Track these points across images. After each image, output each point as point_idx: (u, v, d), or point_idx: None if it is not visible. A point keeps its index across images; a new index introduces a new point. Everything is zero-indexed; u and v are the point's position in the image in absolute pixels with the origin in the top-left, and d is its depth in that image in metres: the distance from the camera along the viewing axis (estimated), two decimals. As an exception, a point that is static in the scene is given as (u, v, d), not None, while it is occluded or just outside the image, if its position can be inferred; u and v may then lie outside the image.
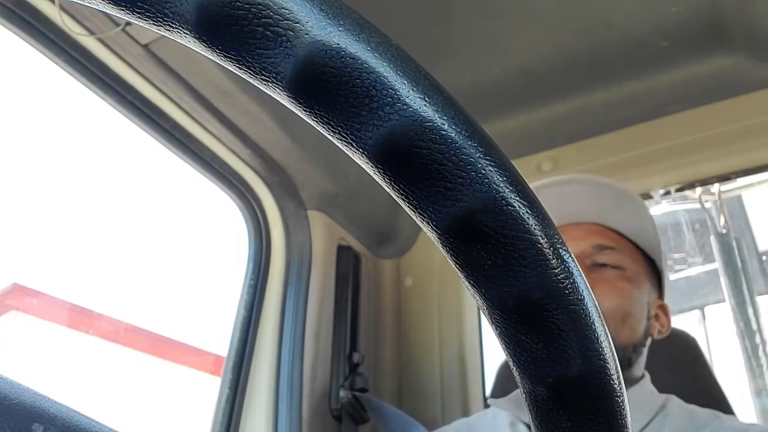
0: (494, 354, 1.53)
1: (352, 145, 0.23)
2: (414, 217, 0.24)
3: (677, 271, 3.30)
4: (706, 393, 1.15)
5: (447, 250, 0.24)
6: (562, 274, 0.23)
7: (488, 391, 1.38)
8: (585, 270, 0.91)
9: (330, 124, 0.23)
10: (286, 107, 0.24)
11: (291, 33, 0.22)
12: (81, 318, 2.89)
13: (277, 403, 1.26)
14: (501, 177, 0.23)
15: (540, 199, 0.23)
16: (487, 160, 0.22)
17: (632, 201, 1.03)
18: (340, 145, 0.24)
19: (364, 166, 0.24)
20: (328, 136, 0.24)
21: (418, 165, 0.23)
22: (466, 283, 0.24)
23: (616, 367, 0.24)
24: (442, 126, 0.22)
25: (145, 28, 0.25)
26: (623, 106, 1.43)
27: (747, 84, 1.36)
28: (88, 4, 0.24)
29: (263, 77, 0.23)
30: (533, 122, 1.47)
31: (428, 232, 0.24)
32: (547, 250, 0.23)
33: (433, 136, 0.22)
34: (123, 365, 2.99)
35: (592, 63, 1.33)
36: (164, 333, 3.28)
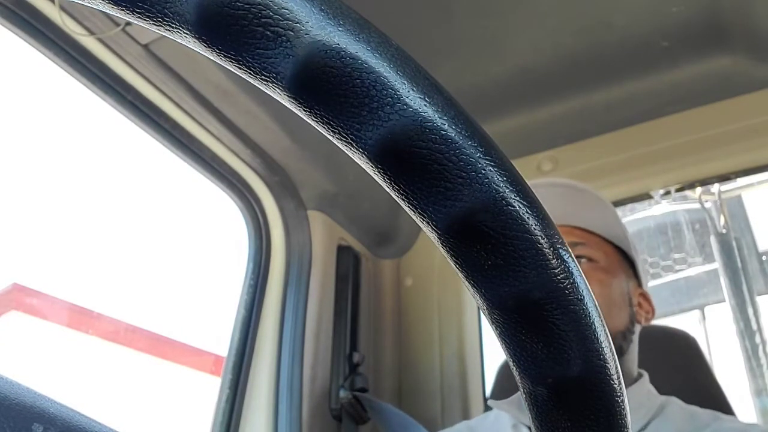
0: (494, 354, 1.53)
1: (352, 145, 0.23)
2: (414, 217, 0.24)
3: (677, 271, 3.30)
4: (706, 393, 1.15)
5: (447, 250, 0.24)
6: (562, 274, 0.23)
7: (488, 391, 1.38)
8: None
9: (330, 124, 0.23)
10: (286, 107, 0.24)
11: (291, 33, 0.22)
12: (81, 318, 2.89)
13: (277, 403, 1.26)
14: (501, 177, 0.23)
15: None
16: (487, 160, 0.22)
17: (593, 198, 1.06)
18: (340, 145, 0.24)
19: (364, 166, 0.24)
20: (328, 136, 0.24)
21: (418, 165, 0.23)
22: (466, 283, 0.24)
23: (616, 367, 0.24)
24: (442, 126, 0.22)
25: (145, 28, 0.25)
26: (623, 106, 1.43)
27: (747, 84, 1.36)
28: (88, 4, 0.24)
29: (263, 77, 0.23)
30: (533, 122, 1.47)
31: (428, 232, 0.24)
32: (547, 250, 0.23)
33: (433, 136, 0.22)
34: (123, 365, 2.99)
35: (592, 63, 1.33)
36: (164, 333, 3.28)
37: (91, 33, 1.02)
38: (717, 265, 2.59)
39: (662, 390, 0.98)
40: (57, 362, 2.71)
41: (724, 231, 2.52)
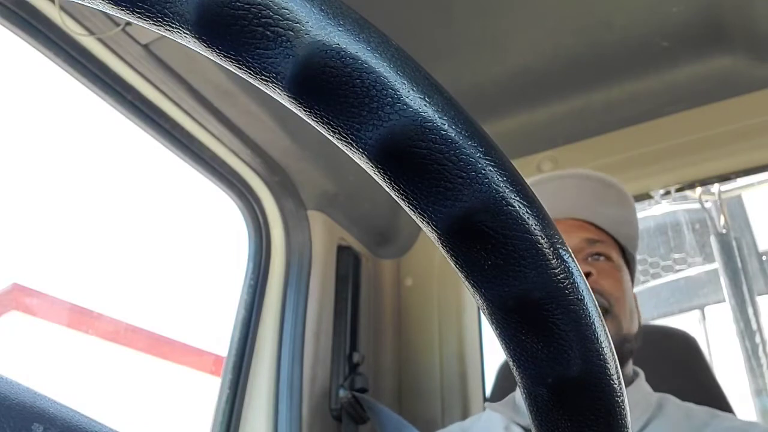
0: (494, 354, 1.53)
1: (352, 145, 0.23)
2: (414, 217, 0.24)
3: (677, 271, 3.30)
4: (706, 393, 1.15)
5: (447, 250, 0.24)
6: (562, 274, 0.23)
7: (488, 391, 1.38)
8: (582, 262, 0.94)
9: (330, 124, 0.23)
10: (286, 107, 0.24)
11: (291, 33, 0.22)
12: (81, 318, 2.89)
13: (277, 403, 1.26)
14: (501, 177, 0.23)
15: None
16: (487, 160, 0.22)
17: (619, 196, 1.05)
18: (340, 145, 0.24)
19: (364, 166, 0.24)
20: (328, 136, 0.24)
21: (418, 165, 0.23)
22: (466, 283, 0.24)
23: (616, 367, 0.24)
24: (442, 126, 0.22)
25: (145, 28, 0.25)
26: (623, 106, 1.42)
27: (747, 84, 1.36)
28: (88, 4, 0.24)
29: (263, 77, 0.23)
30: (533, 122, 1.47)
31: (428, 232, 0.24)
32: (547, 250, 0.23)
33: (433, 136, 0.22)
34: (123, 365, 2.99)
35: (592, 63, 1.33)
36: (164, 333, 3.28)
37: (91, 33, 1.02)
38: (717, 265, 2.59)
39: (662, 390, 0.98)
40: (57, 362, 2.71)
41: (724, 231, 2.52)
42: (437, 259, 1.59)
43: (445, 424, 1.42)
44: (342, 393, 1.34)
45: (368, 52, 0.22)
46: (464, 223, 0.23)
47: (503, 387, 1.25)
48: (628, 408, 0.24)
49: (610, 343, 0.24)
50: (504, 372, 1.32)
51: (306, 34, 0.22)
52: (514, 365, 0.24)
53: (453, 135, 0.22)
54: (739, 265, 2.50)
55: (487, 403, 1.05)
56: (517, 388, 1.03)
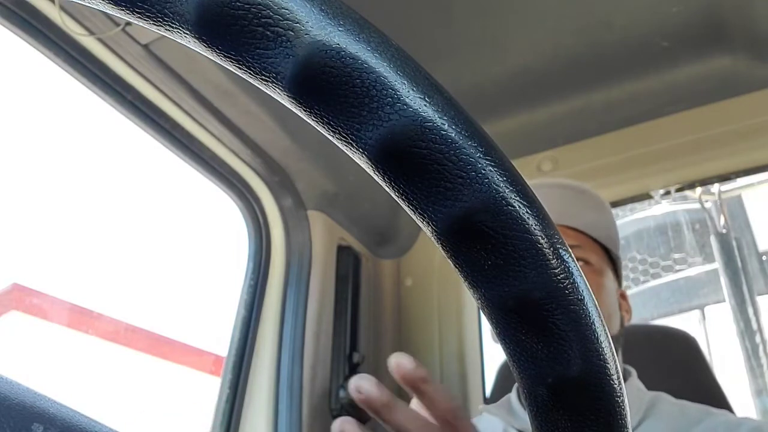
0: (494, 354, 1.53)
1: (352, 145, 0.23)
2: (414, 217, 0.24)
3: (677, 271, 3.30)
4: (706, 393, 1.15)
5: (447, 250, 0.24)
6: (562, 274, 0.23)
7: (488, 391, 1.38)
8: None
9: (330, 124, 0.23)
10: (286, 107, 0.24)
11: (291, 33, 0.22)
12: (81, 318, 2.89)
13: (277, 403, 1.26)
14: (501, 177, 0.23)
15: None
16: (487, 160, 0.22)
17: (591, 199, 1.06)
18: (340, 145, 0.24)
19: (364, 166, 0.24)
20: (328, 136, 0.24)
21: (418, 165, 0.23)
22: (466, 283, 0.24)
23: (616, 367, 0.24)
24: (442, 126, 0.22)
25: (145, 28, 0.25)
26: (623, 106, 1.42)
27: (747, 84, 1.36)
28: (88, 4, 0.24)
29: (263, 77, 0.23)
30: (533, 122, 1.47)
31: (428, 232, 0.24)
32: (547, 250, 0.23)
33: (433, 136, 0.22)
34: (123, 365, 2.99)
35: (592, 63, 1.33)
36: (164, 333, 3.28)
37: (91, 33, 1.02)
38: (717, 265, 2.59)
39: (662, 390, 0.98)
40: (57, 362, 2.71)
41: (724, 231, 2.52)
42: (437, 259, 1.59)
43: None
44: (342, 393, 1.34)
45: (368, 52, 0.22)
46: (464, 223, 0.23)
47: (503, 387, 1.25)
48: (628, 408, 0.24)
49: (610, 343, 0.24)
50: (504, 372, 1.32)
51: (306, 34, 0.22)
52: (514, 365, 0.24)
53: (453, 135, 0.22)
54: (739, 265, 2.50)
55: (482, 406, 1.05)
56: (513, 389, 1.03)
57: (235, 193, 1.35)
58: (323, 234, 1.43)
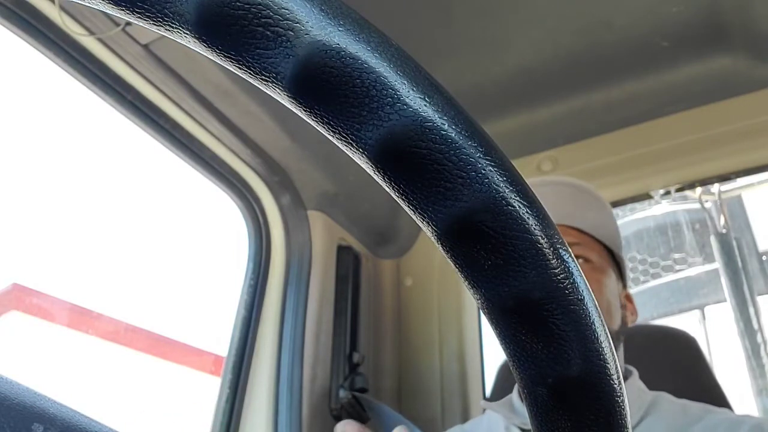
0: (494, 354, 1.53)
1: (352, 145, 0.23)
2: (414, 217, 0.24)
3: (677, 271, 3.30)
4: (706, 393, 1.15)
5: (447, 250, 0.24)
6: (562, 274, 0.23)
7: (488, 391, 1.38)
8: None
9: (330, 124, 0.23)
10: (286, 107, 0.24)
11: (291, 33, 0.22)
12: (81, 318, 2.89)
13: (277, 403, 1.26)
14: (501, 177, 0.23)
15: None
16: (487, 160, 0.22)
17: (591, 198, 1.06)
18: (340, 145, 0.24)
19: (364, 166, 0.24)
20: (328, 136, 0.24)
21: (418, 165, 0.23)
22: (466, 283, 0.24)
23: (616, 367, 0.24)
24: (442, 126, 0.22)
25: (145, 28, 0.25)
26: (623, 106, 1.43)
27: (747, 84, 1.36)
28: (88, 4, 0.24)
29: (263, 77, 0.23)
30: (533, 122, 1.47)
31: (428, 232, 0.24)
32: (547, 250, 0.23)
33: (433, 136, 0.22)
34: (123, 365, 2.99)
35: (592, 63, 1.33)
36: (164, 333, 3.28)
37: (91, 33, 1.02)
38: (717, 265, 2.59)
39: (662, 390, 0.99)
40: (57, 362, 2.71)
41: (724, 231, 2.52)
42: (437, 259, 1.59)
43: (445, 424, 1.42)
44: (342, 393, 1.34)
45: (368, 52, 0.22)
46: (464, 223, 0.23)
47: (503, 387, 1.25)
48: (628, 408, 0.24)
49: (610, 343, 0.24)
50: (504, 372, 1.32)
51: (306, 34, 0.22)
52: (514, 365, 0.24)
53: (453, 135, 0.22)
54: (740, 265, 2.50)
55: (483, 402, 1.05)
56: (514, 389, 1.03)
57: (235, 193, 1.35)
58: (323, 234, 1.43)
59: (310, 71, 0.22)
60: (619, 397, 0.24)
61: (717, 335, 3.04)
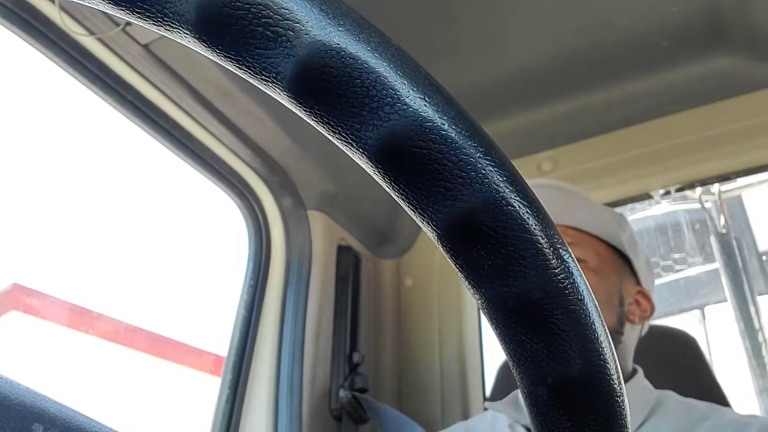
0: (494, 354, 1.53)
1: (352, 145, 0.23)
2: (414, 217, 0.24)
3: (677, 271, 3.30)
4: (706, 393, 1.15)
5: (447, 250, 0.24)
6: (562, 274, 0.23)
7: (488, 391, 1.38)
8: None
9: (330, 124, 0.23)
10: (286, 107, 0.24)
11: (291, 33, 0.22)
12: (81, 318, 2.89)
13: (277, 403, 1.26)
14: (501, 177, 0.23)
15: None
16: (487, 160, 0.22)
17: (582, 198, 1.07)
18: (340, 145, 0.24)
19: (364, 166, 0.24)
20: (328, 136, 0.24)
21: (418, 165, 0.23)
22: (466, 283, 0.24)
23: (616, 367, 0.24)
24: (442, 126, 0.22)
25: (145, 28, 0.25)
26: (623, 106, 1.42)
27: (747, 84, 1.36)
28: (88, 4, 0.24)
29: (263, 77, 0.23)
30: (533, 122, 1.47)
31: (428, 232, 0.24)
32: (547, 250, 0.23)
33: (433, 136, 0.22)
34: (123, 365, 2.99)
35: (592, 63, 1.33)
36: (164, 333, 3.28)
37: (91, 33, 1.02)
38: (717, 265, 2.59)
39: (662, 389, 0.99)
40: (57, 362, 2.71)
41: (724, 231, 2.52)
42: (437, 259, 1.59)
43: (446, 424, 1.42)
44: (342, 393, 1.34)
45: (368, 52, 0.22)
46: (464, 223, 0.23)
47: (503, 387, 1.25)
48: (628, 408, 0.24)
49: (610, 343, 0.24)
50: (504, 372, 1.32)
51: (306, 34, 0.22)
52: (514, 365, 0.24)
53: (453, 135, 0.22)
54: (740, 264, 2.50)
55: (488, 402, 1.05)
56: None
57: (235, 193, 1.35)
58: (323, 234, 1.43)
59: (310, 71, 0.22)
60: (619, 397, 0.24)
61: (717, 335, 3.04)
